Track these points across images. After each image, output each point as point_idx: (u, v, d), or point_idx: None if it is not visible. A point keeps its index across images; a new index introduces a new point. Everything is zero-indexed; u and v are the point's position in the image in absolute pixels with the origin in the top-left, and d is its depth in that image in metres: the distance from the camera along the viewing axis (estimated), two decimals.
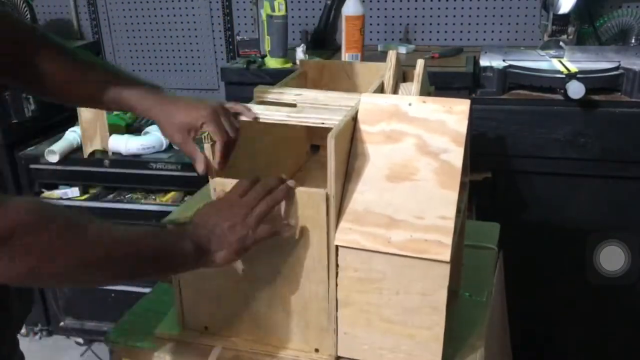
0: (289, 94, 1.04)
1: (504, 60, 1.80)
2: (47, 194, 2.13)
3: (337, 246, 0.88)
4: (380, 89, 1.04)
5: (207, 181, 0.95)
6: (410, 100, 0.91)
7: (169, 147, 2.09)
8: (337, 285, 0.90)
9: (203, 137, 0.91)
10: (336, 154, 0.84)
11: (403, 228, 0.85)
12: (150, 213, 2.05)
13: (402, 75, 1.12)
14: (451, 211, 0.84)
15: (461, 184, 1.01)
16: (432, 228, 0.83)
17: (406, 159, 0.88)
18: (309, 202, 0.87)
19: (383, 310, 0.89)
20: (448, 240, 0.83)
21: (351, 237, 0.87)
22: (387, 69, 1.04)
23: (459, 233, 1.06)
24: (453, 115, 0.88)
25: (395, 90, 1.05)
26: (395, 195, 0.87)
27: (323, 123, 0.93)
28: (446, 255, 0.82)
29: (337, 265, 0.89)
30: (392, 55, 1.04)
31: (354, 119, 0.92)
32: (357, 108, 0.93)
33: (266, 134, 1.08)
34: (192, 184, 1.98)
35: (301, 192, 0.87)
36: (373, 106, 0.92)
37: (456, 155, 0.86)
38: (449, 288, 0.86)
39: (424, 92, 1.04)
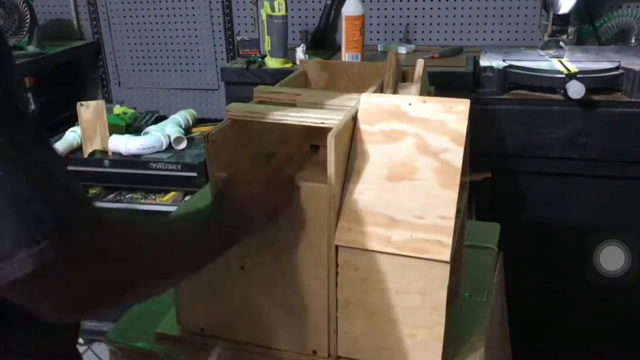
0: (289, 94, 1.04)
1: (504, 60, 1.80)
2: None
3: (336, 246, 0.88)
4: (380, 89, 1.04)
5: (207, 181, 0.95)
6: (410, 100, 0.91)
7: (169, 147, 2.09)
8: (337, 285, 0.90)
9: (204, 137, 0.91)
10: (336, 154, 0.84)
11: (403, 228, 0.85)
12: (150, 213, 2.05)
13: (402, 75, 1.12)
14: (451, 211, 0.84)
15: (461, 183, 1.01)
16: (432, 228, 0.83)
17: (406, 159, 0.88)
18: (311, 197, 0.87)
19: (383, 310, 0.89)
20: (448, 240, 0.83)
21: (351, 236, 0.87)
22: (386, 69, 1.04)
23: (459, 233, 1.06)
24: (453, 115, 0.88)
25: (395, 91, 1.05)
26: (395, 194, 0.87)
27: (323, 123, 0.93)
28: (446, 255, 0.82)
29: (336, 265, 0.89)
30: (391, 56, 1.05)
31: (354, 119, 0.92)
32: (357, 108, 0.93)
33: (266, 133, 1.08)
34: (192, 184, 1.98)
35: (304, 186, 0.87)
36: (373, 106, 0.92)
37: (456, 155, 0.86)
38: (449, 287, 0.86)
39: (424, 92, 1.04)
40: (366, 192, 0.88)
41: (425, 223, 0.84)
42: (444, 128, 0.88)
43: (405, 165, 0.88)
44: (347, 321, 0.92)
